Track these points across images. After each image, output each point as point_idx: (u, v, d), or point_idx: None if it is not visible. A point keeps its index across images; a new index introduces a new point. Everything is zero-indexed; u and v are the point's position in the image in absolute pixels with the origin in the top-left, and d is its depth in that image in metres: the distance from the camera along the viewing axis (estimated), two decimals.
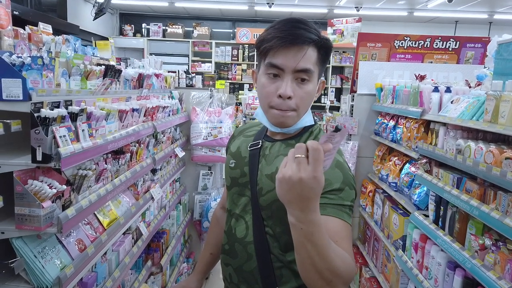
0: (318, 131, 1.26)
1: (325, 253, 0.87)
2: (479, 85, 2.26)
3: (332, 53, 8.02)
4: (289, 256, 1.15)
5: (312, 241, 0.85)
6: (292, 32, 1.06)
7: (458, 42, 3.64)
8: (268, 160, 1.20)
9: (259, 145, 1.25)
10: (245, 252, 1.21)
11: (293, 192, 0.81)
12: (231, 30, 9.66)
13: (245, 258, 1.22)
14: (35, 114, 1.33)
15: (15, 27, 1.62)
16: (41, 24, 1.95)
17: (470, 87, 2.32)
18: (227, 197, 1.34)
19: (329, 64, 8.67)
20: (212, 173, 3.66)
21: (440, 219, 2.02)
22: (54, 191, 1.40)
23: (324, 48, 1.12)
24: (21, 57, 1.40)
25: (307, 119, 1.18)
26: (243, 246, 1.22)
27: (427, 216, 2.20)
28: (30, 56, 1.42)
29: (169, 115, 2.88)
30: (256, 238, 1.19)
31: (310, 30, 1.08)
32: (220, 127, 3.38)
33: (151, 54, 8.09)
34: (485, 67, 2.60)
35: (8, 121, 1.31)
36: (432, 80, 2.84)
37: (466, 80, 2.52)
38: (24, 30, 1.73)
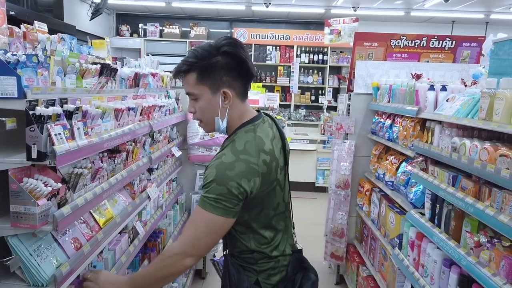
0: (241, 132, 1.45)
1: (145, 280, 1.42)
2: (474, 83, 2.27)
3: (329, 53, 8.02)
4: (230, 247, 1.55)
5: (138, 285, 1.45)
6: (174, 70, 1.45)
7: (454, 42, 3.65)
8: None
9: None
10: None
11: None
12: (228, 30, 9.66)
13: None
14: (30, 112, 1.33)
15: (10, 26, 1.61)
16: (36, 23, 1.94)
17: (465, 86, 2.33)
18: None
19: (326, 64, 8.69)
20: None
21: (436, 217, 2.03)
22: (50, 189, 1.40)
23: (204, 69, 1.38)
24: (16, 55, 1.40)
25: (223, 125, 1.46)
26: None
27: (423, 214, 2.20)
28: (25, 54, 1.42)
29: (165, 115, 2.88)
30: None
31: (186, 61, 1.40)
32: None
33: (148, 54, 8.07)
34: (481, 66, 2.62)
35: (3, 119, 1.31)
36: (428, 79, 2.85)
37: (462, 79, 2.53)
38: (19, 28, 1.73)
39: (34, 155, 1.33)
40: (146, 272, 1.44)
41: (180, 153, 3.25)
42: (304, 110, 8.91)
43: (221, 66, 1.38)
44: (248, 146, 1.39)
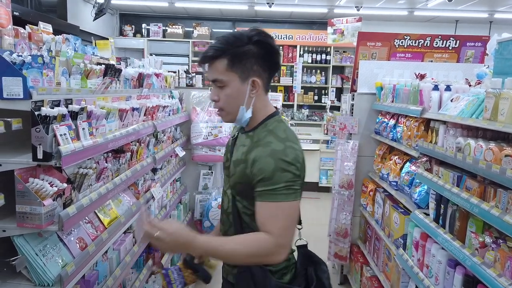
0: (273, 122, 1.43)
1: (232, 253, 1.30)
2: (479, 83, 2.26)
3: (332, 53, 7.98)
4: (255, 224, 1.36)
5: (216, 253, 1.30)
6: (201, 55, 1.39)
7: (458, 41, 3.64)
8: (236, 149, 1.47)
9: (235, 136, 1.54)
10: (228, 221, 1.49)
11: (176, 251, 1.29)
12: (231, 30, 9.64)
13: (228, 225, 1.49)
14: (36, 113, 1.33)
15: (15, 27, 1.62)
16: (41, 24, 1.95)
17: (470, 85, 2.32)
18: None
19: (329, 64, 8.67)
20: (212, 172, 3.66)
21: (441, 217, 2.02)
22: (55, 189, 1.41)
23: (235, 56, 1.34)
24: (21, 56, 1.41)
25: (247, 113, 1.40)
26: (226, 216, 1.50)
27: (427, 214, 2.20)
28: (30, 55, 1.43)
29: (169, 115, 2.89)
30: (233, 210, 1.44)
31: (216, 47, 1.35)
32: (221, 127, 3.38)
33: (151, 54, 8.09)
34: (485, 66, 2.61)
35: (9, 119, 1.32)
36: (432, 79, 2.84)
37: (466, 78, 2.52)
38: (25, 29, 1.74)
39: (40, 155, 1.34)
40: (231, 247, 1.31)
41: (184, 153, 3.26)
42: (307, 110, 8.90)
43: (253, 54, 1.35)
44: (288, 133, 1.40)
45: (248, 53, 1.35)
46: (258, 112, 1.43)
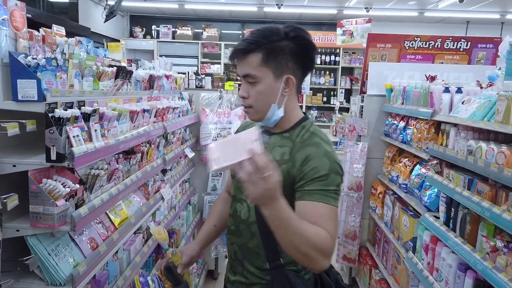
0: (310, 124, 1.39)
1: (297, 231, 1.09)
2: (490, 85, 2.24)
3: (341, 54, 7.94)
4: None
5: (282, 223, 1.08)
6: (237, 46, 1.29)
7: (469, 43, 3.61)
8: (266, 150, 1.33)
9: None
10: (249, 231, 1.37)
11: (259, 200, 1.05)
12: (240, 32, 9.69)
13: (248, 236, 1.37)
14: (50, 114, 1.36)
15: (29, 29, 1.65)
16: (54, 26, 1.98)
17: (481, 87, 2.30)
18: (232, 184, 1.51)
19: (338, 65, 8.64)
20: (221, 174, 3.67)
21: (451, 221, 2.01)
22: (68, 190, 1.43)
23: (271, 50, 1.26)
24: (36, 58, 1.43)
25: (279, 112, 1.32)
26: (247, 226, 1.37)
27: (437, 217, 2.18)
28: (44, 58, 1.45)
29: (179, 116, 2.91)
30: (258, 218, 1.31)
31: (251, 40, 1.26)
32: (230, 128, 3.39)
33: (161, 55, 8.15)
34: (497, 68, 2.58)
35: (23, 121, 1.34)
36: (443, 81, 2.82)
37: (477, 80, 2.50)
38: (38, 32, 1.77)
39: (53, 156, 1.36)
40: (305, 226, 1.12)
41: (193, 154, 3.28)
42: (316, 111, 8.89)
43: (289, 50, 1.27)
44: (327, 137, 1.36)
45: (284, 49, 1.27)
46: (290, 112, 1.36)
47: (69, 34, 2.06)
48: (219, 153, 1.06)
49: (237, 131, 1.53)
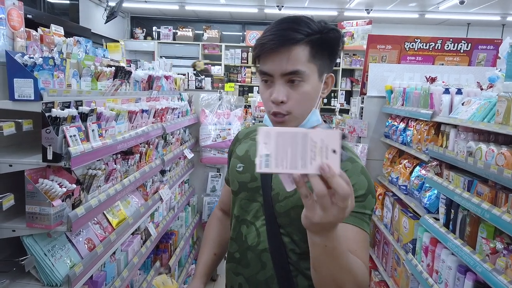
0: None
1: (346, 266, 0.86)
2: (491, 87, 2.23)
3: (342, 56, 7.89)
4: (304, 263, 1.11)
5: (334, 255, 0.83)
6: (276, 36, 1.01)
7: (469, 44, 3.60)
8: None
9: None
10: (258, 261, 1.14)
11: (321, 226, 0.78)
12: (241, 33, 9.69)
13: (258, 267, 1.15)
14: (46, 114, 1.35)
15: (27, 29, 1.64)
16: (53, 26, 1.97)
17: (482, 89, 2.29)
18: (234, 203, 1.25)
19: (339, 66, 8.63)
20: (221, 175, 3.66)
21: (451, 223, 2.00)
22: (64, 190, 1.42)
23: (319, 43, 1.04)
24: (33, 57, 1.42)
25: (314, 119, 1.09)
26: (256, 255, 1.15)
27: (437, 219, 2.17)
28: (41, 57, 1.44)
29: (178, 117, 2.90)
30: (272, 246, 1.12)
31: (297, 29, 1.02)
32: (229, 129, 3.39)
33: (161, 57, 8.16)
34: (497, 69, 2.57)
35: (19, 120, 1.33)
36: (443, 82, 2.81)
37: (477, 82, 2.49)
38: (37, 32, 1.76)
39: (49, 156, 1.36)
40: (352, 259, 0.90)
41: (192, 155, 3.27)
42: None
43: (330, 45, 1.07)
44: (353, 150, 1.19)
45: (329, 42, 1.06)
46: (315, 117, 1.11)
47: (70, 35, 2.05)
48: (274, 148, 0.72)
49: (237, 140, 1.33)
